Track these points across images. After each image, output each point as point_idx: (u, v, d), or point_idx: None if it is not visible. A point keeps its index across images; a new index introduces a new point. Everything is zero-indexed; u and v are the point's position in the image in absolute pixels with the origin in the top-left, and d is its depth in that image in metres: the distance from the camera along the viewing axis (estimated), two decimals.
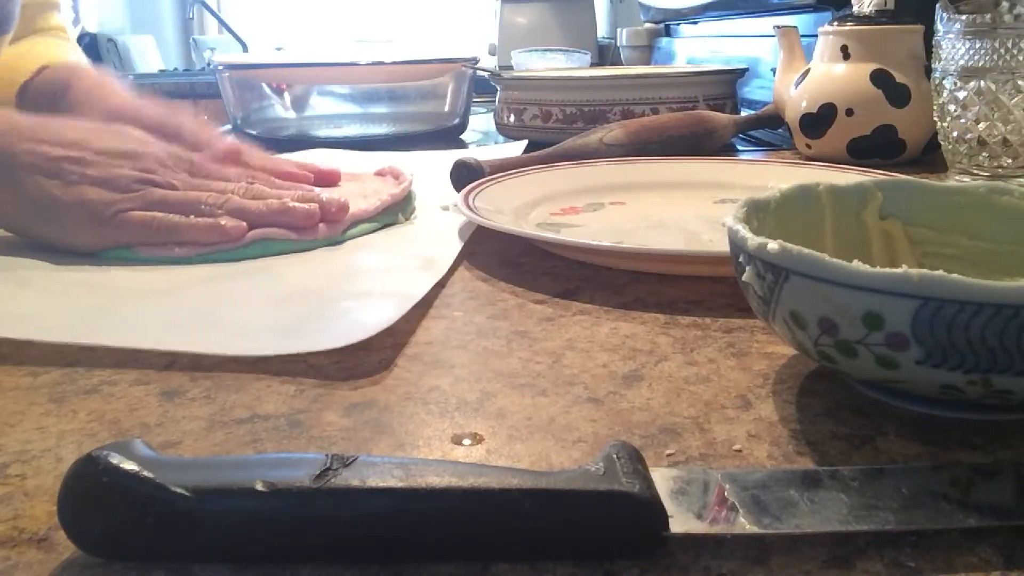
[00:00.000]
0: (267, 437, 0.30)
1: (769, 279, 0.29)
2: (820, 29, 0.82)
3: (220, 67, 1.12)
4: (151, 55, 3.49)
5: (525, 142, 0.96)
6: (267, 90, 1.12)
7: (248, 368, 0.36)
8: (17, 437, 0.30)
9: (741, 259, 0.30)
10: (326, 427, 0.30)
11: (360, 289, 0.45)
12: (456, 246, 0.52)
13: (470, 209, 0.52)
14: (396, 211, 0.60)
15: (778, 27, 0.91)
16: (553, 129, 0.95)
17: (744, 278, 0.30)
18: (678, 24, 1.75)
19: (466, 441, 0.29)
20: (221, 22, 3.38)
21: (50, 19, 0.85)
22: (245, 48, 3.19)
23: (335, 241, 0.54)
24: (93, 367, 0.36)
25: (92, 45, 3.23)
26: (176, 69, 3.44)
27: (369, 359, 0.36)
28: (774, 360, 0.35)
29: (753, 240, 0.29)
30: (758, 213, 0.35)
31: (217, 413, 0.32)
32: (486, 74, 1.10)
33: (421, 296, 0.42)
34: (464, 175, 0.65)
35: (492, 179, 0.62)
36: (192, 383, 0.34)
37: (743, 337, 0.38)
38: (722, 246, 0.50)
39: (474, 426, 0.30)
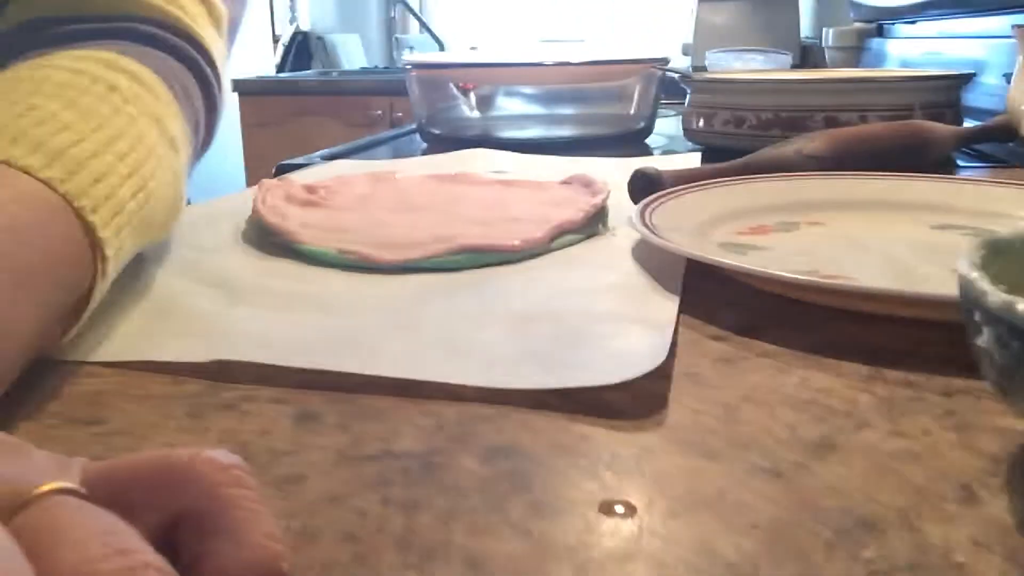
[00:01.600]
0: (396, 480, 0.27)
1: (1015, 348, 0.22)
2: None
3: (408, 66, 1.12)
4: (355, 52, 3.66)
5: (699, 154, 0.89)
6: (454, 89, 1.11)
7: (389, 391, 0.33)
8: None
9: (977, 317, 0.24)
10: (460, 473, 0.27)
11: (603, 310, 0.41)
12: (678, 261, 0.47)
13: (646, 226, 0.48)
14: (597, 221, 0.57)
15: (1018, 27, 0.79)
16: (746, 136, 0.88)
17: (980, 342, 0.24)
18: (893, 23, 1.61)
19: (618, 509, 0.25)
20: (420, 21, 3.49)
21: None
22: (442, 46, 3.28)
23: (538, 252, 0.51)
24: (236, 379, 0.35)
25: (304, 42, 3.43)
26: (377, 66, 3.59)
27: (517, 392, 0.33)
28: (1009, 438, 0.29)
29: (995, 296, 0.23)
30: (999, 256, 0.28)
31: (349, 446, 0.29)
32: (676, 75, 1.04)
33: (672, 320, 0.39)
34: (643, 186, 0.60)
35: (673, 192, 0.57)
36: (329, 405, 0.32)
37: (967, 403, 0.31)
38: (943, 285, 0.43)
39: (627, 491, 0.26)
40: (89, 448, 0.29)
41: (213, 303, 0.43)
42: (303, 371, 0.35)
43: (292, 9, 3.53)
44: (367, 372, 0.34)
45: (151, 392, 0.34)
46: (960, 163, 0.86)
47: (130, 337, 0.39)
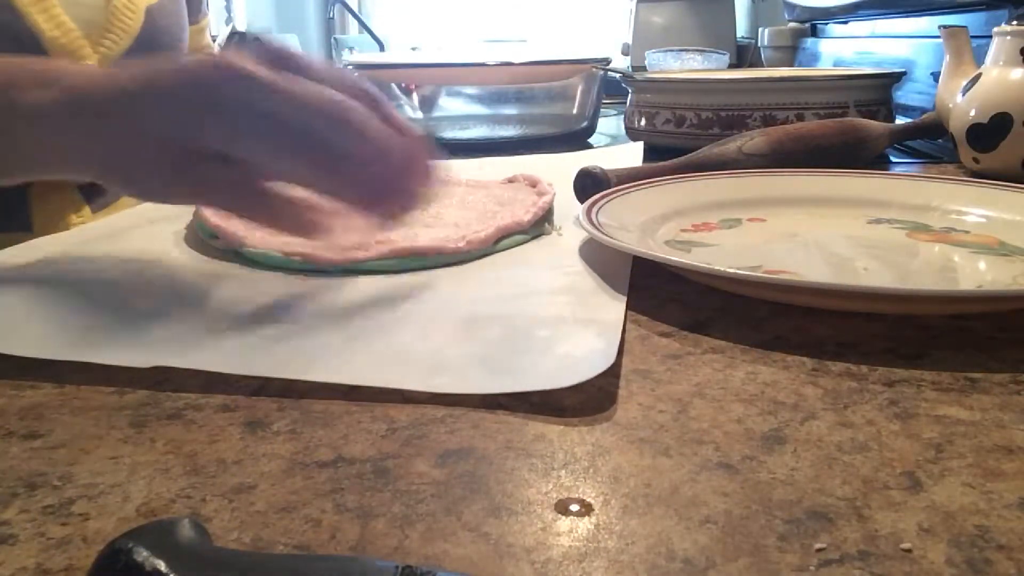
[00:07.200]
0: (349, 487, 0.26)
1: None
2: (995, 29, 0.73)
3: (349, 67, 1.11)
4: None
5: (641, 144, 0.90)
6: (396, 90, 1.11)
7: (339, 396, 0.33)
8: (90, 467, 0.28)
9: None
10: (415, 478, 0.27)
11: (552, 312, 0.41)
12: (625, 259, 0.47)
13: (593, 225, 0.48)
14: (543, 221, 0.57)
15: (945, 27, 0.82)
16: (687, 135, 0.89)
17: None
18: (826, 24, 1.65)
19: (573, 508, 0.25)
20: (360, 22, 3.46)
21: (202, 40, 0.93)
22: (382, 47, 3.25)
23: (485, 253, 0.51)
24: (181, 388, 0.34)
25: (240, 43, 3.36)
26: None
27: (469, 394, 0.32)
28: (948, 426, 0.29)
29: None
30: None
31: (300, 452, 0.29)
32: (617, 75, 1.05)
33: (620, 321, 0.38)
34: (588, 185, 0.61)
35: (618, 190, 0.57)
36: (279, 412, 0.32)
37: (908, 393, 0.32)
38: (880, 278, 0.44)
39: (583, 490, 0.26)
40: (27, 465, 0.28)
41: (155, 307, 0.42)
42: (250, 377, 0.34)
43: (228, 9, 3.46)
44: (316, 379, 0.34)
45: (91, 404, 0.33)
46: (892, 159, 0.89)
47: (67, 338, 0.38)
